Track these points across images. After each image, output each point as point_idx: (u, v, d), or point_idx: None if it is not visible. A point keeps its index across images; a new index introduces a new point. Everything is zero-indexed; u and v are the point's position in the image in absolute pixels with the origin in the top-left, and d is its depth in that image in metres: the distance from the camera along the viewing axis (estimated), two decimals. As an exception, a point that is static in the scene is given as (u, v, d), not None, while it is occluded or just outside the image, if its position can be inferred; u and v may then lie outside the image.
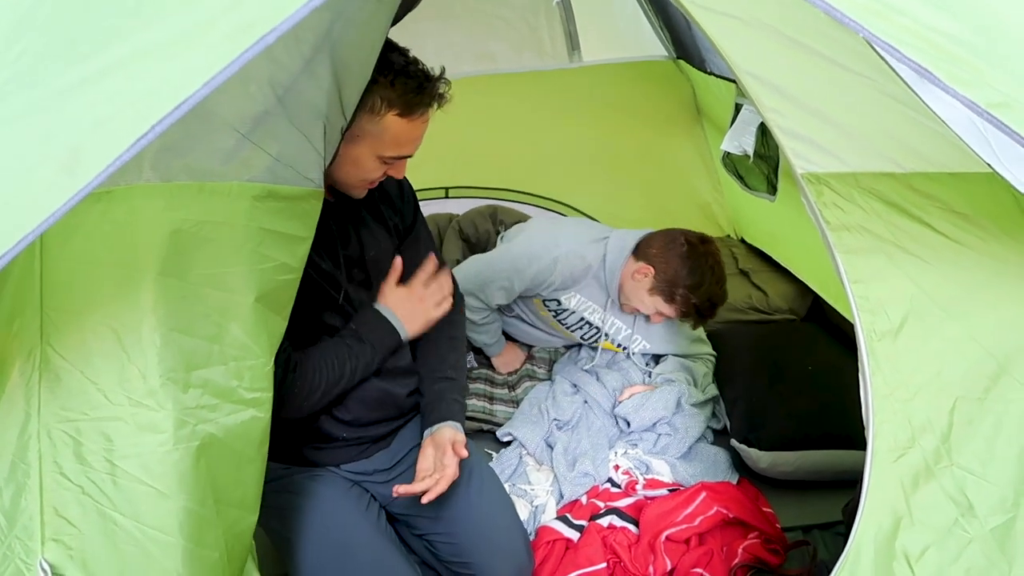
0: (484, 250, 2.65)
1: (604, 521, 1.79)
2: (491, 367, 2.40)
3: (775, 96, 1.09)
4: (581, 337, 2.35)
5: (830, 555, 1.70)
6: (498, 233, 2.65)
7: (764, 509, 1.85)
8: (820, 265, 2.34)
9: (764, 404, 2.05)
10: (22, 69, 0.77)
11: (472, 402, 2.23)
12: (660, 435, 2.07)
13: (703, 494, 1.81)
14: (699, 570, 1.65)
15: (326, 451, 1.50)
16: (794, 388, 2.10)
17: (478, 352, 2.40)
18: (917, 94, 0.86)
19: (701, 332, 2.43)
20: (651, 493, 1.88)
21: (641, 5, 2.83)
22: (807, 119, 1.09)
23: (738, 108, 2.50)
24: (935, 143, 1.02)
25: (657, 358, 2.40)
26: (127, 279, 0.90)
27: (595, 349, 2.38)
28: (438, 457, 1.44)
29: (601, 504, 1.85)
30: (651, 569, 1.65)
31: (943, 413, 1.03)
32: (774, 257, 2.83)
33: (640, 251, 2.15)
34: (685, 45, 2.78)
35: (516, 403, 2.25)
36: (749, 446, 1.97)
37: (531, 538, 1.73)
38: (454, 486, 1.42)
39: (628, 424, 2.10)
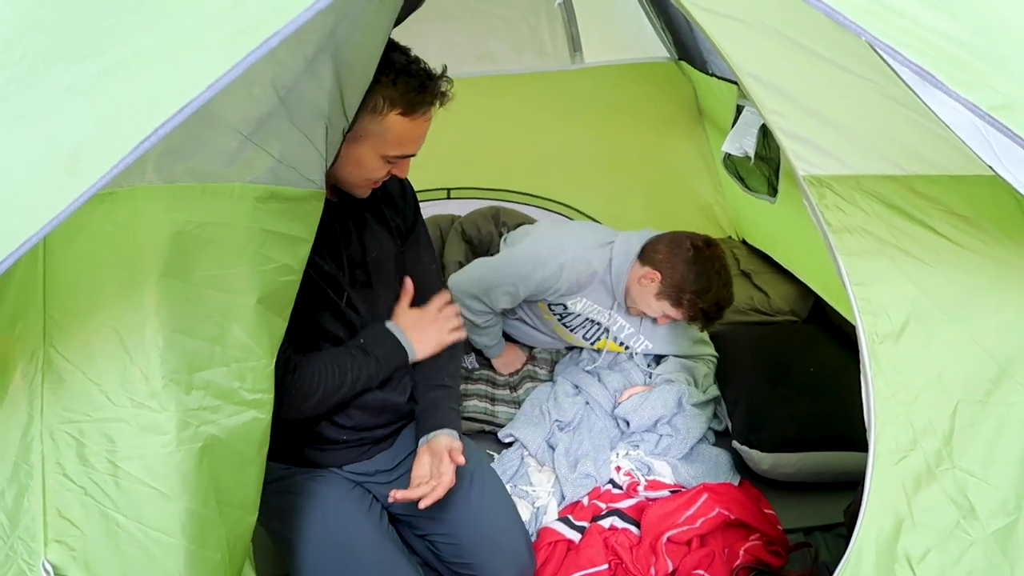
0: (487, 251, 2.65)
1: (605, 522, 1.79)
2: (492, 368, 2.40)
3: (777, 98, 1.09)
4: (583, 335, 2.34)
5: (831, 557, 1.70)
6: (501, 235, 2.65)
7: (766, 511, 1.85)
8: (821, 267, 2.33)
9: (765, 405, 2.05)
10: (25, 70, 0.78)
11: (473, 403, 2.23)
12: (661, 436, 2.07)
13: (705, 495, 1.81)
14: (701, 572, 1.65)
15: (328, 452, 1.50)
16: (795, 390, 2.10)
17: (479, 353, 2.40)
18: (919, 96, 0.86)
19: (704, 333, 2.43)
20: (653, 494, 1.88)
21: (643, 6, 2.83)
22: (809, 121, 1.09)
23: (739, 110, 2.50)
24: (937, 146, 1.02)
25: (659, 359, 2.40)
26: (130, 280, 0.90)
27: (597, 351, 2.38)
28: (434, 464, 1.44)
29: (603, 505, 1.85)
30: (652, 570, 1.65)
31: (944, 416, 1.03)
32: (775, 259, 2.83)
33: (646, 255, 2.14)
34: (687, 46, 2.78)
35: (518, 404, 2.25)
36: (751, 447, 1.97)
37: (532, 539, 1.73)
38: (456, 487, 1.42)
39: (628, 424, 2.10)
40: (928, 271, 1.05)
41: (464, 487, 1.50)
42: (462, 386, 2.30)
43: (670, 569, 1.65)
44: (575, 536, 1.75)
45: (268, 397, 1.03)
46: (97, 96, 0.72)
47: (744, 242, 3.10)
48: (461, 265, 2.51)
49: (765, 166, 2.55)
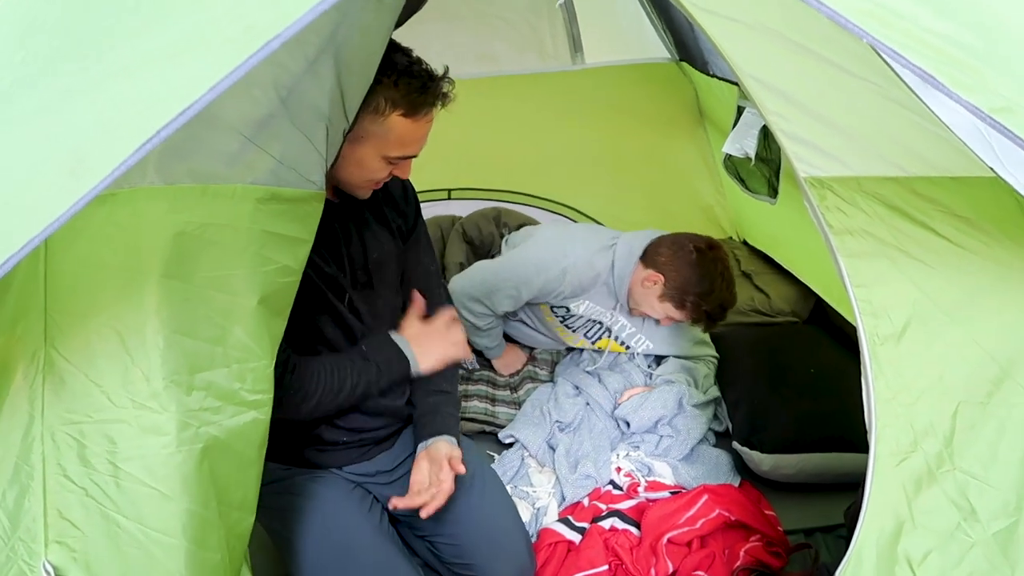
0: (488, 252, 2.65)
1: (606, 523, 1.79)
2: (492, 369, 2.40)
3: (778, 100, 1.09)
4: (585, 334, 2.34)
5: (832, 558, 1.70)
6: (502, 236, 2.65)
7: (766, 512, 1.85)
8: (822, 268, 2.34)
9: (766, 406, 2.05)
10: (29, 71, 0.78)
11: (474, 403, 2.23)
12: (662, 437, 2.07)
13: (705, 496, 1.81)
14: (701, 573, 1.65)
15: (328, 453, 1.50)
16: (796, 391, 2.10)
17: (479, 354, 2.40)
18: (920, 98, 0.86)
19: (704, 334, 2.43)
20: (653, 495, 1.88)
21: (644, 7, 2.83)
22: (810, 123, 1.09)
23: (740, 111, 2.50)
24: (938, 147, 1.01)
25: (659, 360, 2.40)
26: (131, 281, 0.90)
27: (598, 352, 2.38)
28: (434, 471, 1.44)
29: (603, 506, 1.85)
30: (653, 572, 1.65)
31: (946, 417, 1.03)
32: (776, 260, 2.83)
33: (648, 258, 2.14)
34: (688, 47, 2.78)
35: (518, 405, 2.25)
36: (751, 448, 1.97)
37: (533, 540, 1.73)
38: (456, 488, 1.43)
39: (628, 425, 2.10)
40: (929, 273, 1.05)
41: (465, 488, 1.50)
42: (462, 387, 2.30)
43: (670, 570, 1.65)
44: (575, 537, 1.75)
45: (268, 398, 1.03)
46: (99, 98, 0.72)
47: (745, 243, 3.10)
48: (462, 266, 2.51)
49: (766, 167, 2.55)
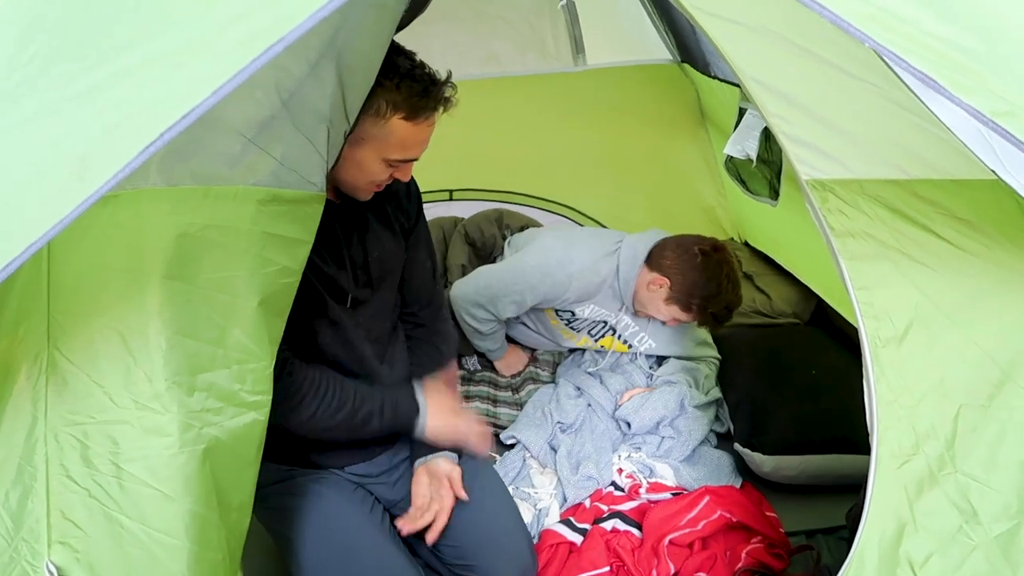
0: (490, 254, 2.65)
1: (607, 525, 1.79)
2: (494, 370, 2.40)
3: (780, 102, 1.09)
4: (589, 332, 2.34)
5: (834, 560, 1.70)
6: (504, 237, 2.64)
7: (767, 513, 1.85)
8: (824, 269, 2.33)
9: (767, 408, 2.05)
10: (34, 72, 0.78)
11: (476, 404, 2.23)
12: (663, 438, 2.07)
13: (706, 498, 1.81)
14: (702, 574, 1.65)
15: (330, 453, 1.50)
16: (797, 392, 2.10)
17: (481, 355, 2.40)
18: (922, 101, 0.86)
19: (707, 335, 2.43)
20: (654, 497, 1.88)
21: (645, 9, 2.83)
22: (812, 125, 1.09)
23: (742, 112, 2.50)
24: (940, 150, 1.02)
25: (661, 361, 2.40)
26: (133, 283, 0.91)
27: (600, 352, 2.38)
28: (434, 487, 1.45)
29: (604, 507, 1.85)
30: (654, 573, 1.65)
31: (947, 420, 1.03)
32: (778, 261, 2.83)
33: (653, 261, 2.14)
34: (689, 49, 2.78)
35: (520, 406, 2.25)
36: (752, 450, 1.97)
37: (534, 541, 1.73)
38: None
39: (629, 426, 2.10)
40: (931, 275, 1.05)
41: (467, 489, 1.50)
42: (464, 388, 2.30)
43: (672, 571, 1.65)
44: (577, 538, 1.75)
45: (267, 399, 1.04)
46: (104, 100, 0.72)
47: (746, 244, 3.10)
48: (464, 268, 2.51)
49: (767, 169, 2.55)
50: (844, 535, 1.76)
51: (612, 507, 1.85)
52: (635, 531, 1.78)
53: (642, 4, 2.81)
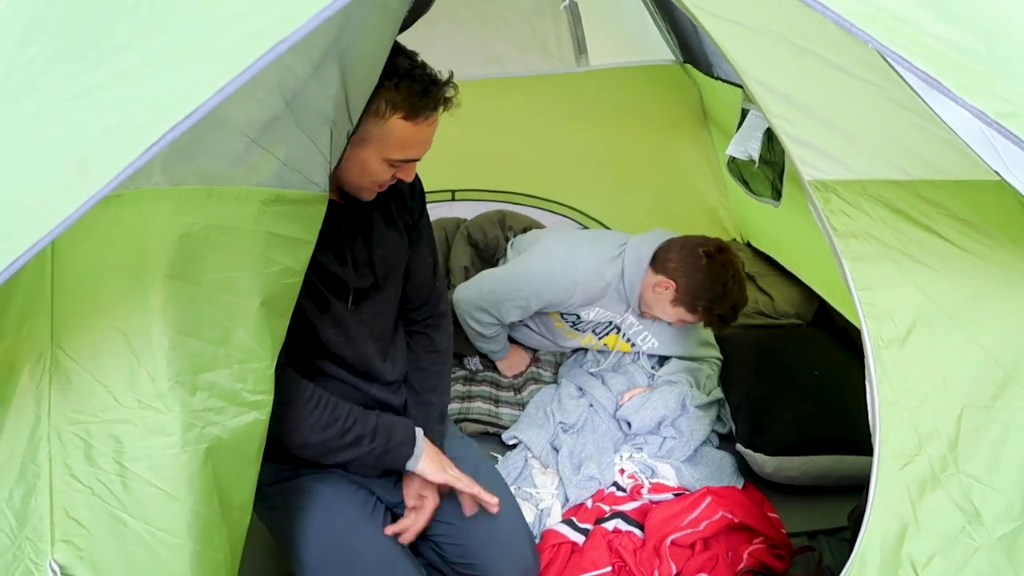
0: (493, 256, 2.65)
1: (609, 525, 1.79)
2: (496, 370, 2.40)
3: (783, 103, 1.09)
4: (593, 330, 2.34)
5: (835, 561, 1.69)
6: (507, 239, 2.64)
7: (769, 514, 1.85)
8: (826, 270, 2.33)
9: (769, 409, 2.05)
10: (34, 72, 0.78)
11: (478, 405, 2.23)
12: (665, 439, 2.07)
13: (708, 498, 1.81)
14: (704, 575, 1.65)
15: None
16: (800, 393, 2.10)
17: (483, 355, 2.40)
18: (925, 101, 0.86)
19: (710, 335, 2.43)
20: (656, 497, 1.88)
21: (648, 9, 2.83)
22: (814, 126, 1.09)
23: (744, 113, 2.50)
24: (942, 151, 1.01)
25: (663, 361, 2.40)
26: (136, 282, 0.91)
27: (601, 352, 2.38)
28: (420, 490, 1.46)
29: (606, 508, 1.85)
30: (656, 573, 1.65)
31: (950, 421, 1.03)
32: (780, 262, 2.83)
33: (658, 263, 2.14)
34: (692, 50, 2.78)
35: (522, 406, 2.26)
36: (754, 451, 1.96)
37: (536, 541, 1.73)
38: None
39: (630, 426, 2.10)
40: (933, 276, 1.05)
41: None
42: (466, 387, 2.31)
43: (673, 572, 1.65)
44: (579, 538, 1.75)
45: (268, 398, 1.04)
46: (107, 100, 0.72)
47: (749, 245, 3.10)
48: (466, 270, 2.51)
49: (769, 170, 2.55)
50: (846, 536, 1.76)
51: (614, 507, 1.85)
52: (637, 531, 1.78)
53: (645, 5, 2.81)
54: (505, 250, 2.58)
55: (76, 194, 0.71)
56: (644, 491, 1.90)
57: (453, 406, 2.17)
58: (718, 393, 2.24)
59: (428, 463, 1.41)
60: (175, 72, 0.71)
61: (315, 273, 1.29)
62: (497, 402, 2.27)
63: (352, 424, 1.33)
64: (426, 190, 1.59)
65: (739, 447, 2.02)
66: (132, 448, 0.89)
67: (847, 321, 2.34)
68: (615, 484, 1.95)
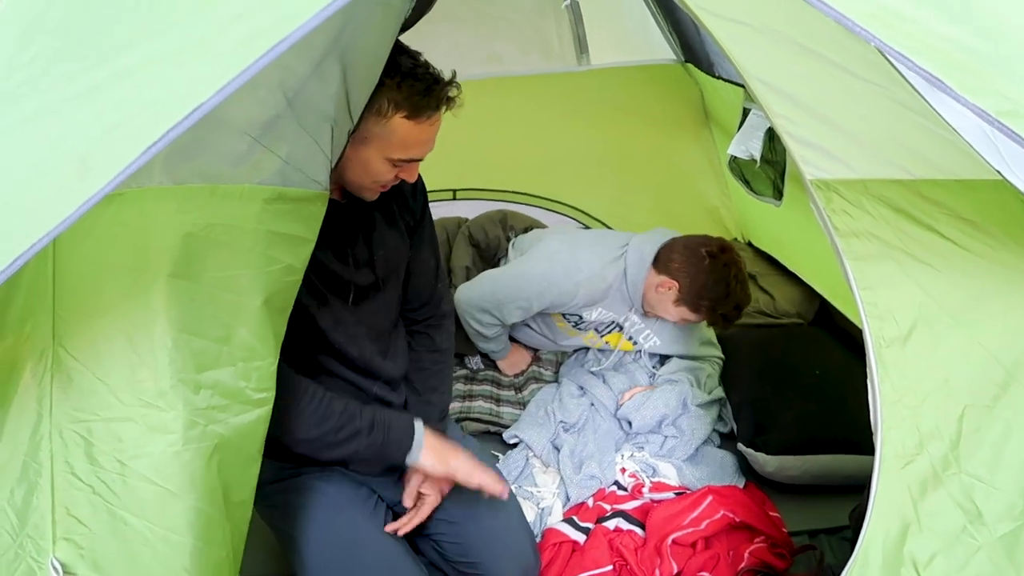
0: (494, 255, 2.65)
1: (610, 524, 1.79)
2: (497, 369, 2.40)
3: (785, 103, 1.09)
4: (595, 329, 2.34)
5: (836, 560, 1.69)
6: (508, 239, 2.64)
7: (770, 513, 1.85)
8: (827, 270, 2.33)
9: (771, 408, 2.05)
10: (34, 72, 0.78)
11: (479, 404, 2.24)
12: (666, 438, 2.07)
13: (709, 498, 1.81)
14: (705, 574, 1.65)
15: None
16: (801, 392, 2.10)
17: (484, 355, 2.40)
18: (927, 100, 0.86)
19: (711, 335, 2.43)
20: (657, 496, 1.88)
21: (650, 9, 2.83)
22: (816, 126, 1.09)
23: (746, 113, 2.50)
24: (944, 150, 1.01)
25: (664, 361, 2.40)
26: (138, 281, 0.91)
27: (603, 352, 2.38)
28: (420, 485, 1.45)
29: (607, 507, 1.85)
30: (657, 572, 1.65)
31: (951, 420, 1.03)
32: (781, 261, 2.83)
33: (661, 263, 2.14)
34: (694, 49, 2.78)
35: (522, 405, 2.26)
36: (756, 450, 1.96)
37: (537, 540, 1.73)
38: (461, 488, 1.43)
39: (631, 425, 2.10)
40: (935, 275, 1.05)
41: (468, 489, 1.50)
42: (467, 386, 2.31)
43: (675, 571, 1.65)
44: (580, 537, 1.75)
45: (271, 396, 1.04)
46: (107, 100, 0.72)
47: (750, 244, 3.10)
48: (468, 270, 2.51)
49: (771, 169, 2.55)
50: (847, 535, 1.76)
51: (615, 506, 1.85)
52: (638, 530, 1.78)
53: (646, 4, 2.81)
54: (507, 250, 2.58)
55: (76, 194, 0.71)
56: (645, 490, 1.90)
57: (454, 405, 2.17)
58: (719, 392, 2.24)
59: (429, 456, 1.38)
60: (175, 72, 0.71)
61: (314, 271, 1.29)
62: (498, 401, 2.27)
63: (349, 418, 1.32)
64: (428, 189, 1.59)
65: (740, 446, 2.02)
66: (133, 446, 0.89)
67: (848, 320, 2.33)
68: (616, 483, 1.95)
